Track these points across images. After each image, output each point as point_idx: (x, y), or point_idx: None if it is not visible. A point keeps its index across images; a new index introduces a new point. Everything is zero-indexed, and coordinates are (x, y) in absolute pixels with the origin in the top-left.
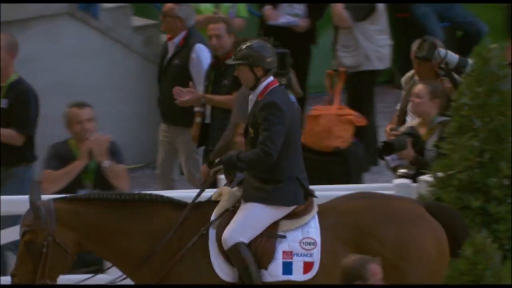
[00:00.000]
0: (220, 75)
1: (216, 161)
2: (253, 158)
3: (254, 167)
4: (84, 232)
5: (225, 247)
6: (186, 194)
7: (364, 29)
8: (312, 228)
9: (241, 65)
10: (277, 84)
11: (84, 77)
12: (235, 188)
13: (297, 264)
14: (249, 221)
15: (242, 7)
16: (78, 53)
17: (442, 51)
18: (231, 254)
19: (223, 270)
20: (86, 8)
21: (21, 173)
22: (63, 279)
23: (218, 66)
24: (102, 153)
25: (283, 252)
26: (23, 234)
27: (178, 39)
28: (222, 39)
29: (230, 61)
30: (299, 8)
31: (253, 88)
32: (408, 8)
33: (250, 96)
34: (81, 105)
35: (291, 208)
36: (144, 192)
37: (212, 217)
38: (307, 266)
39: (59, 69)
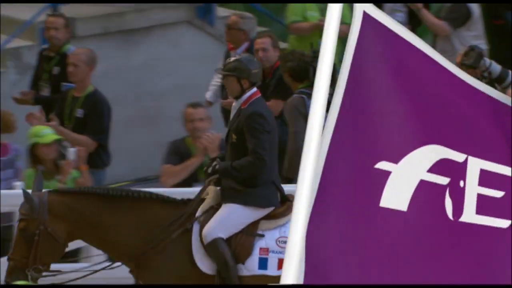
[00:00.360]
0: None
1: (210, 170)
2: (247, 166)
3: (248, 174)
4: (74, 223)
5: (205, 242)
6: (176, 190)
7: (461, 35)
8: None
9: (229, 76)
10: (259, 95)
11: (201, 80)
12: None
13: (272, 260)
14: (229, 219)
15: (347, 14)
16: (195, 58)
17: (487, 60)
18: (210, 249)
19: (203, 263)
20: (203, 16)
21: (92, 176)
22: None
23: (264, 78)
24: (214, 149)
25: (260, 248)
26: (19, 222)
27: (240, 49)
28: (268, 53)
29: (220, 72)
30: (400, 15)
31: (238, 97)
32: (503, 15)
33: (234, 104)
34: (195, 105)
35: (268, 210)
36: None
37: (198, 214)
38: (282, 262)
39: (178, 72)
